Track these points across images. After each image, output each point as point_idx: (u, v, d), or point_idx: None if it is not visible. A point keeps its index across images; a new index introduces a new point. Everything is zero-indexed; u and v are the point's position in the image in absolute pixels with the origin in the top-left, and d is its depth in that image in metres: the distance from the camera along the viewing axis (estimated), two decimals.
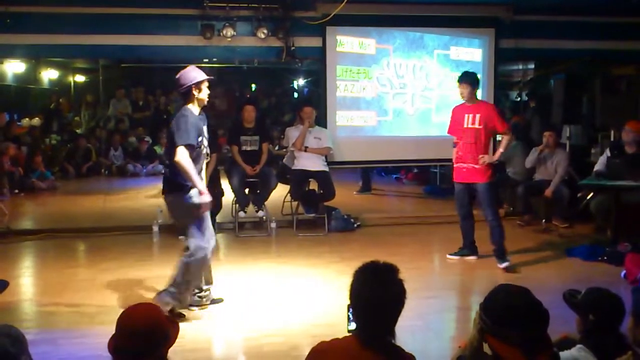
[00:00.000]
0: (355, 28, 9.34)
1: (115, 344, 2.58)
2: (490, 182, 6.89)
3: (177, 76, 5.28)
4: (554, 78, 10.80)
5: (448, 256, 7.30)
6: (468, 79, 6.90)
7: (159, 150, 14.17)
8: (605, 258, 7.08)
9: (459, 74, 7.16)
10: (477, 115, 6.82)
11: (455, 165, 7.07)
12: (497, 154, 6.97)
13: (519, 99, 14.23)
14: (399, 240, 8.26)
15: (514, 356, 2.37)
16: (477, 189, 6.96)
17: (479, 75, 9.57)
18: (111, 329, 2.65)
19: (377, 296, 2.49)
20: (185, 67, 5.31)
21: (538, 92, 12.40)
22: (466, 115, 6.87)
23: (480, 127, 6.80)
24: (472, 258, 7.23)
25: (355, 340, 2.54)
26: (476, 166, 6.82)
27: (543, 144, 8.80)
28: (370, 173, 11.86)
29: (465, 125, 6.86)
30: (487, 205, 6.90)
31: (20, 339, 2.66)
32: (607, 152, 8.09)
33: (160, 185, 10.27)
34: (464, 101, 6.98)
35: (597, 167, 8.09)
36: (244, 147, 8.55)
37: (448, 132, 7.22)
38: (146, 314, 2.62)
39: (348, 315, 2.64)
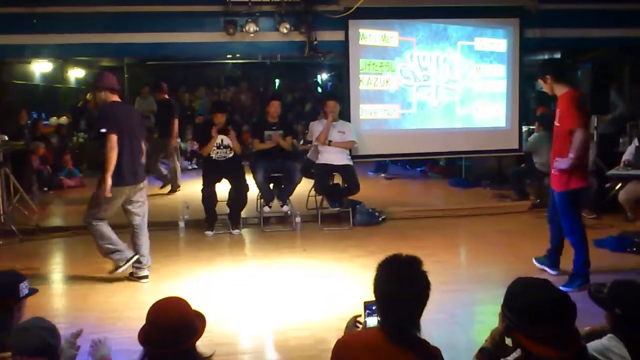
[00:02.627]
0: (378, 21, 9.29)
1: (145, 335, 2.64)
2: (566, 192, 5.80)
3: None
4: (580, 68, 10.67)
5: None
6: (547, 69, 5.90)
7: (184, 146, 14.27)
8: (634, 249, 7.00)
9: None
10: (558, 110, 5.83)
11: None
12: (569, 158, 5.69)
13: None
14: (424, 233, 8.22)
15: (544, 351, 2.35)
16: (554, 197, 6.00)
17: (504, 66, 9.60)
18: (138, 324, 2.69)
19: (401, 290, 2.48)
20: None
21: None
22: (557, 110, 5.86)
23: (559, 124, 5.81)
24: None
25: (380, 333, 2.53)
26: (554, 172, 5.89)
27: None
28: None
29: (555, 123, 5.90)
30: (566, 218, 5.89)
31: (55, 330, 2.78)
32: (636, 142, 7.98)
33: (185, 181, 10.34)
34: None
35: (625, 157, 7.99)
36: (266, 141, 8.60)
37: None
38: (175, 307, 2.68)
39: (365, 313, 2.64)
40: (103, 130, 5.98)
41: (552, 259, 6.30)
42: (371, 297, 2.64)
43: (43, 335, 2.67)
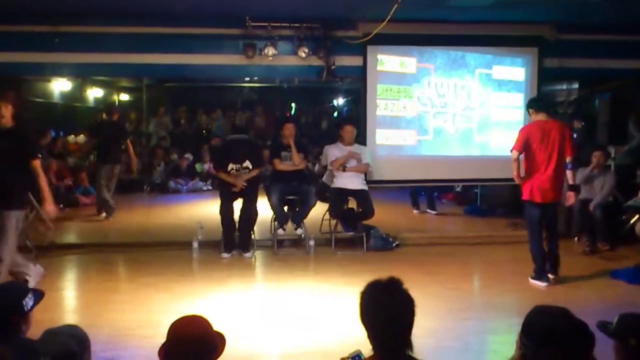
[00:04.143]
0: (396, 47, 9.33)
1: (166, 352, 2.64)
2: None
3: None
4: (599, 97, 10.63)
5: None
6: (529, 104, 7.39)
7: (200, 167, 14.34)
8: None
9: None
10: None
11: (529, 185, 6.99)
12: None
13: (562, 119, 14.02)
14: (439, 260, 8.17)
15: None
16: None
17: (521, 95, 9.60)
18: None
19: (388, 310, 2.56)
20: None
21: (582, 112, 12.22)
22: None
23: None
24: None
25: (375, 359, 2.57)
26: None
27: (593, 163, 8.67)
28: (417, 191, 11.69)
29: None
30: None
31: (83, 338, 2.79)
32: None
33: (200, 201, 10.36)
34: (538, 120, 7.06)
35: None
36: (284, 162, 8.63)
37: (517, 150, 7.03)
38: (197, 325, 2.69)
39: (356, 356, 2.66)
40: None
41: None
42: None
43: (69, 341, 2.68)
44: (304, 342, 5.22)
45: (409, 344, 2.59)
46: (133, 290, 6.70)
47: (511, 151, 7.01)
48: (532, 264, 7.03)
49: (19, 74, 10.23)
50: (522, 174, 7.01)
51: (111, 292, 6.62)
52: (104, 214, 10.71)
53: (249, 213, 8.21)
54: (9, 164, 6.01)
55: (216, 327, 2.82)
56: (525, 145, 6.91)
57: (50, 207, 6.26)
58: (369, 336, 2.62)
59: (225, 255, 8.13)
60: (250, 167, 8.24)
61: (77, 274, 7.84)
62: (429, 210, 11.39)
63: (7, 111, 6.04)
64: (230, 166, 8.23)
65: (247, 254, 8.16)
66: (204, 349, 2.61)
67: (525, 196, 7.03)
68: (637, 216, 8.38)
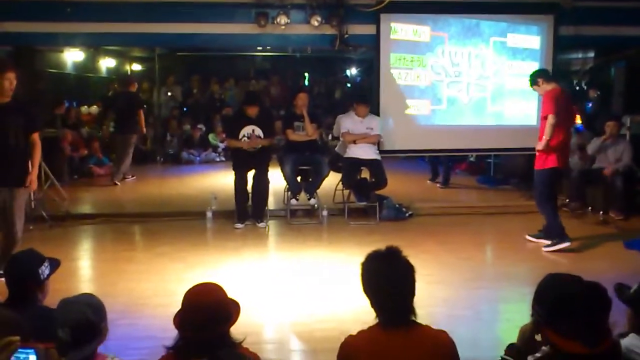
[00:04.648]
0: (410, 15, 9.23)
1: (181, 319, 2.67)
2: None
3: None
4: (614, 66, 10.50)
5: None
6: (537, 75, 7.30)
7: (213, 138, 14.34)
8: None
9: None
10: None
11: (558, 152, 7.00)
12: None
13: (577, 87, 13.89)
14: (451, 230, 8.18)
15: (572, 347, 2.30)
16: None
17: (536, 64, 9.50)
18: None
19: (390, 276, 2.64)
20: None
21: (598, 81, 12.09)
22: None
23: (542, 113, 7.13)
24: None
25: (378, 328, 2.65)
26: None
27: (606, 133, 8.63)
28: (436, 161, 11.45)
29: None
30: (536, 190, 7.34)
31: (100, 307, 2.82)
32: None
33: (213, 172, 10.39)
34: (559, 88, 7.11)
35: None
36: (297, 132, 8.62)
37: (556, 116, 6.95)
38: (212, 292, 2.72)
39: None
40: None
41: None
42: None
43: (85, 310, 2.70)
44: (318, 310, 5.27)
45: (412, 310, 2.65)
46: (148, 260, 6.76)
47: (548, 116, 6.89)
48: (547, 234, 7.10)
49: (31, 44, 10.21)
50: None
51: (126, 262, 6.69)
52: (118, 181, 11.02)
53: (262, 183, 8.24)
54: (17, 139, 5.87)
55: (230, 295, 2.84)
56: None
57: (33, 182, 6.04)
58: (372, 305, 2.69)
59: (239, 225, 8.18)
60: (262, 135, 8.23)
61: (92, 244, 7.92)
62: (440, 184, 11.11)
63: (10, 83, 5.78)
64: (242, 133, 8.22)
65: (261, 224, 8.21)
66: (219, 317, 2.64)
67: (552, 163, 6.98)
68: None
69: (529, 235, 7.42)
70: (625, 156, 8.62)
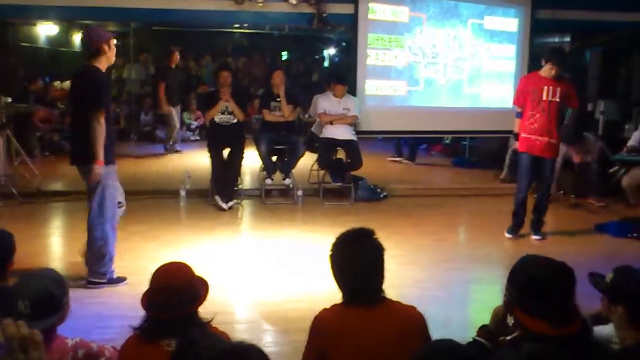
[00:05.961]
0: None
1: (149, 299, 2.65)
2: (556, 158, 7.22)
3: (87, 32, 5.40)
4: (590, 51, 10.56)
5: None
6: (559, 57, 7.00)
7: (188, 116, 14.20)
8: (635, 234, 7.00)
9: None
10: (558, 89, 6.76)
11: (524, 136, 6.91)
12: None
13: None
14: (425, 211, 8.21)
15: (539, 327, 2.31)
16: (545, 164, 6.93)
17: (514, 46, 9.52)
18: (137, 289, 2.68)
19: (358, 256, 2.69)
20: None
21: (572, 65, 12.13)
22: (545, 88, 6.78)
23: (559, 100, 6.78)
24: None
25: (342, 304, 2.72)
26: (552, 140, 6.83)
27: None
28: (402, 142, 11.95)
29: (544, 98, 6.77)
30: (552, 179, 7.32)
31: (63, 282, 2.75)
32: None
33: (187, 151, 10.28)
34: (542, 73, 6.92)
35: (630, 143, 7.99)
36: (273, 112, 8.54)
37: (515, 103, 7.15)
38: (179, 272, 2.70)
39: None
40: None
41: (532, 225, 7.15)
42: None
43: (47, 283, 2.63)
44: (292, 290, 5.27)
45: (377, 291, 2.70)
46: (120, 238, 6.60)
47: (576, 106, 7.05)
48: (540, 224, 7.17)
49: (3, 17, 10.00)
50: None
51: None
52: None
53: (234, 159, 8.14)
54: None
55: (202, 274, 2.82)
56: None
57: None
58: (336, 283, 2.76)
59: (221, 203, 7.97)
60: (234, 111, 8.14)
61: (63, 221, 7.82)
62: (406, 161, 11.65)
63: None
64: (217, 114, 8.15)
65: (227, 204, 7.97)
66: (186, 297, 2.62)
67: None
68: (623, 169, 8.42)
69: (534, 235, 7.09)
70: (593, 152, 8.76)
